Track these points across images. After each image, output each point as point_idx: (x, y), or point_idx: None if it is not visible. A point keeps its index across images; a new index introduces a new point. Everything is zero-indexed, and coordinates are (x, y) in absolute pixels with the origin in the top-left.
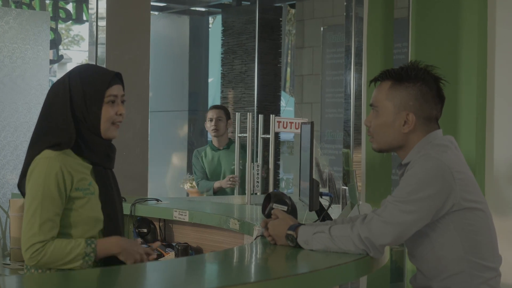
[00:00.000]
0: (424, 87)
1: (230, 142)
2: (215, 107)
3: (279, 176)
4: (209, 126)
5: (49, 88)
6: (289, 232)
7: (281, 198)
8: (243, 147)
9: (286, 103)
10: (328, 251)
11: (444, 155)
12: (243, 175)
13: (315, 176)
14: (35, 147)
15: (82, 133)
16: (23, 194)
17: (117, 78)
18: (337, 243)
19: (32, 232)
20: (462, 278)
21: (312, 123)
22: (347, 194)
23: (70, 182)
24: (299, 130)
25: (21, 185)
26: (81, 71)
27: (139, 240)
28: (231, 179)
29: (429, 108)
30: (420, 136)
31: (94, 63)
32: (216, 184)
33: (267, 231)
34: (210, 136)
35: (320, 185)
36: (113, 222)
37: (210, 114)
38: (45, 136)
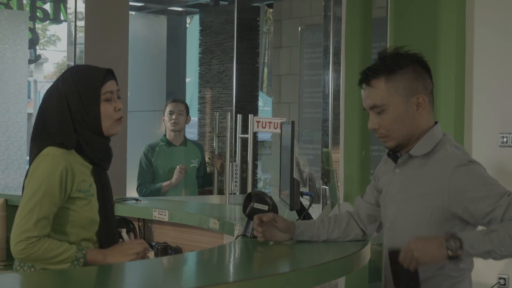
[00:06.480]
0: (416, 66)
1: (186, 139)
2: (175, 100)
3: (257, 176)
4: (168, 119)
5: (27, 87)
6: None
7: (262, 198)
8: (198, 146)
9: (264, 103)
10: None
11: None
12: (199, 171)
13: (295, 175)
14: (37, 144)
15: (83, 134)
16: None
17: (109, 74)
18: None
19: (27, 226)
20: (435, 279)
21: (293, 123)
22: (327, 194)
23: (72, 182)
24: (278, 130)
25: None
26: (73, 72)
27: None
28: (181, 168)
29: (428, 84)
30: (429, 119)
31: (73, 62)
32: (165, 183)
33: (260, 230)
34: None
35: (300, 185)
36: (107, 224)
37: (171, 107)
38: (45, 137)
